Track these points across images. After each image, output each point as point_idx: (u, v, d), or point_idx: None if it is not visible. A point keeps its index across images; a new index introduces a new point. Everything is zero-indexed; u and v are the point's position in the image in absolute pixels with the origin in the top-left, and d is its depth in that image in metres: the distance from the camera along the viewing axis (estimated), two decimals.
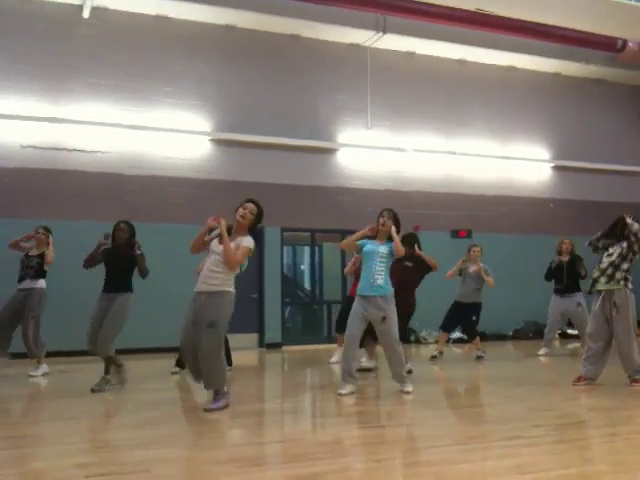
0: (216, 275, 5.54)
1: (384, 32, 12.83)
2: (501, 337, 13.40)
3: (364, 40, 13.12)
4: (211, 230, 5.61)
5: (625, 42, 13.00)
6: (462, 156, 13.98)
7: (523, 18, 12.21)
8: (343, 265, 13.00)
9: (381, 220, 6.49)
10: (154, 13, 11.88)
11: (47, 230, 8.42)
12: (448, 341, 12.13)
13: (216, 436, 4.84)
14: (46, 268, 8.31)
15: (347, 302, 8.86)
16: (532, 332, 13.51)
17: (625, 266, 6.72)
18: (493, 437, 4.66)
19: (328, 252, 13.68)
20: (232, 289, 5.62)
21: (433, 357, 9.66)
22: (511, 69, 14.68)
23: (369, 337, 7.26)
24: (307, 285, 14.77)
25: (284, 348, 12.23)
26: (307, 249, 14.06)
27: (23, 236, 8.48)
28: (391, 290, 6.45)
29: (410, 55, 13.83)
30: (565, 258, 10.22)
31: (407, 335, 8.46)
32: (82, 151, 11.27)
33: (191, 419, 5.49)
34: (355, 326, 6.43)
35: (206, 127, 12.15)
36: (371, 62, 13.16)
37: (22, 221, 9.98)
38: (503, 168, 14.46)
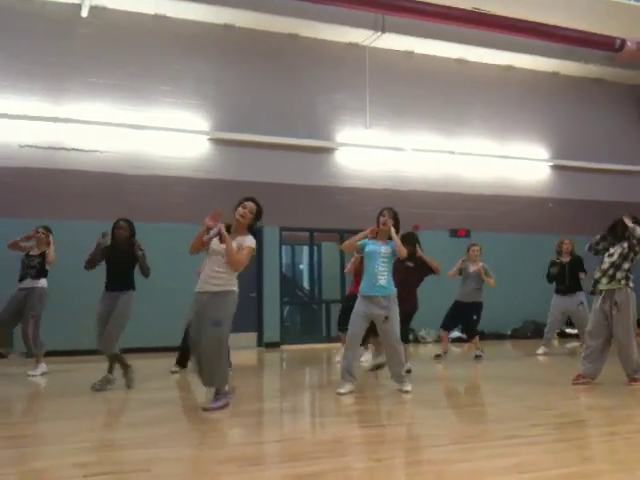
0: (220, 275, 5.53)
1: (383, 31, 12.84)
2: (500, 336, 13.41)
3: (363, 39, 13.13)
4: (209, 229, 5.59)
5: (624, 41, 13.02)
6: (461, 155, 13.99)
7: (522, 17, 12.23)
8: (342, 264, 13.02)
9: (382, 219, 6.47)
10: (153, 12, 11.88)
11: (47, 229, 8.41)
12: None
13: (216, 435, 4.83)
14: (47, 267, 8.31)
15: (348, 300, 8.87)
16: (531, 331, 13.53)
17: (626, 266, 6.72)
18: (492, 436, 4.66)
19: (327, 251, 13.68)
20: (236, 288, 5.63)
21: (437, 356, 9.72)
22: (510, 68, 14.69)
23: (372, 334, 7.26)
24: (306, 284, 14.77)
25: (283, 347, 12.24)
26: (306, 248, 14.06)
27: (22, 236, 8.46)
28: (394, 290, 6.44)
29: (409, 54, 13.84)
30: (565, 258, 10.21)
31: (407, 335, 8.45)
32: (81, 150, 11.27)
33: (191, 418, 5.49)
34: (358, 325, 6.42)
35: (205, 126, 12.15)
36: (370, 61, 13.17)
37: (22, 221, 9.98)
38: (502, 167, 14.47)
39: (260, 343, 12.28)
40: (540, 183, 14.86)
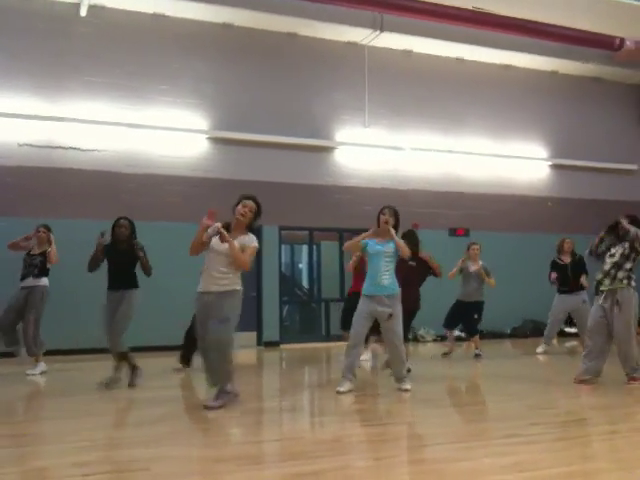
0: (225, 276, 5.54)
1: (381, 30, 12.84)
2: (499, 335, 13.41)
3: (361, 38, 13.12)
4: (207, 228, 5.58)
5: (622, 41, 13.01)
6: (460, 154, 13.99)
7: (520, 16, 12.22)
8: (341, 263, 13.02)
9: (383, 218, 6.44)
10: (151, 11, 11.87)
11: (47, 228, 8.40)
12: (446, 339, 12.14)
13: (215, 434, 4.83)
14: (49, 266, 8.30)
15: (349, 299, 8.87)
16: (530, 330, 13.54)
17: (628, 266, 6.71)
18: (492, 435, 4.66)
19: (326, 250, 13.68)
20: (241, 287, 5.65)
21: (445, 354, 9.82)
22: (508, 67, 14.69)
23: (372, 333, 7.27)
24: (305, 283, 14.79)
25: (282, 346, 12.23)
26: (305, 247, 14.05)
27: (22, 237, 8.45)
28: (398, 289, 6.43)
29: (407, 53, 13.83)
30: (567, 259, 10.16)
31: (407, 333, 8.44)
32: (79, 149, 11.26)
33: (191, 417, 5.48)
34: (361, 324, 6.41)
35: (203, 125, 12.14)
36: (369, 60, 13.16)
37: (20, 219, 9.98)
38: (500, 166, 14.46)
39: (259, 342, 12.27)
40: (539, 182, 14.86)
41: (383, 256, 6.39)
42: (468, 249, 9.93)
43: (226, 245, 5.46)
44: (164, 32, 11.97)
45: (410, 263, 7.55)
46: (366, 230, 6.66)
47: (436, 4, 11.72)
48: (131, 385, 6.80)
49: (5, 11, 10.98)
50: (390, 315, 6.32)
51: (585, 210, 14.41)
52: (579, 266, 10.04)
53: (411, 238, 7.49)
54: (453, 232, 13.75)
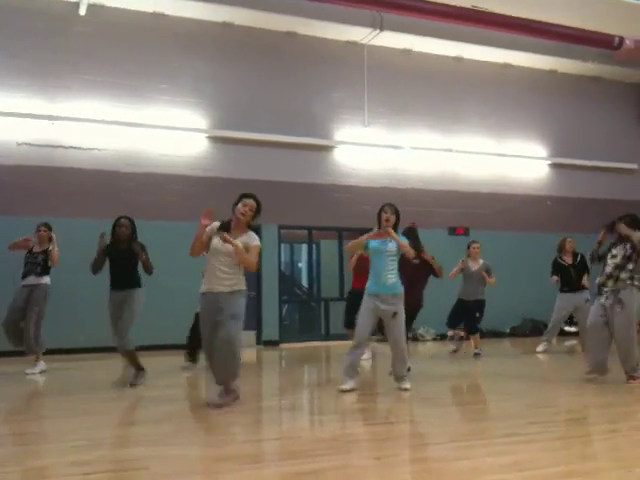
0: (230, 276, 5.55)
1: (381, 29, 12.84)
2: (498, 334, 13.42)
3: (361, 37, 13.12)
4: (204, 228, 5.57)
5: (622, 39, 13.02)
6: (458, 153, 13.99)
7: (519, 15, 12.22)
8: (341, 262, 13.02)
9: (384, 216, 6.41)
10: (151, 10, 11.86)
11: (48, 227, 8.39)
12: (446, 338, 12.14)
13: (215, 433, 4.83)
14: (50, 264, 8.29)
15: (351, 297, 8.87)
16: (529, 329, 13.54)
17: (630, 266, 6.70)
18: (491, 434, 4.66)
19: (325, 249, 13.69)
20: (245, 287, 5.68)
21: (454, 351, 9.89)
22: (507, 66, 14.69)
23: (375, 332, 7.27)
24: (304, 282, 14.79)
25: (282, 345, 12.23)
26: (304, 246, 14.05)
27: (22, 238, 8.42)
28: (401, 288, 6.42)
29: (407, 52, 13.83)
30: (568, 258, 10.14)
31: (408, 333, 8.45)
32: (78, 148, 11.25)
33: (193, 416, 5.49)
34: (365, 323, 6.40)
35: (202, 124, 12.14)
36: (368, 59, 13.16)
37: (19, 218, 9.97)
38: (499, 165, 14.47)
39: (259, 341, 12.27)
40: (538, 181, 14.86)
41: (386, 255, 6.36)
42: (469, 248, 9.94)
43: (228, 246, 5.46)
44: (163, 31, 11.97)
45: (414, 261, 7.51)
46: (365, 229, 6.65)
47: (435, 3, 11.73)
48: (132, 385, 6.80)
49: (4, 10, 10.98)
50: (395, 314, 6.32)
51: (584, 209, 14.41)
52: (581, 266, 10.04)
53: (410, 234, 7.45)
54: (452, 231, 13.76)
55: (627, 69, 14.93)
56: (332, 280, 13.25)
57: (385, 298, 6.33)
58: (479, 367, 8.94)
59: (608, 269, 6.80)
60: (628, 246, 6.73)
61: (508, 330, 13.80)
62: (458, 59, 14.26)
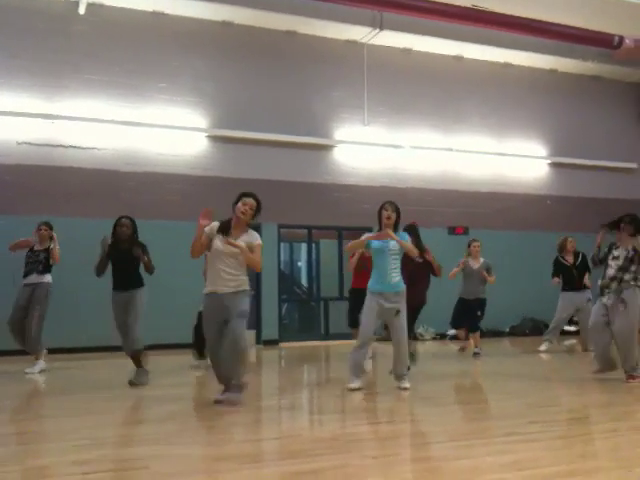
0: (236, 278, 5.58)
1: (381, 28, 12.84)
2: (498, 333, 13.42)
3: (361, 37, 13.12)
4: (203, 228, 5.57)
5: (621, 39, 13.01)
6: (458, 153, 13.99)
7: (519, 14, 12.22)
8: (340, 262, 13.02)
9: (385, 213, 6.40)
10: (150, 9, 11.86)
11: (49, 226, 8.38)
12: (445, 337, 12.20)
13: (215, 433, 4.83)
14: (52, 263, 8.28)
15: (353, 297, 8.87)
16: (529, 329, 13.55)
17: (633, 267, 6.70)
18: (491, 433, 4.66)
19: (325, 249, 13.68)
20: (249, 286, 5.71)
21: (462, 349, 9.95)
22: (507, 66, 14.68)
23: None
24: (304, 282, 14.78)
25: (281, 345, 12.23)
26: (304, 246, 14.05)
27: (21, 240, 8.41)
28: (404, 286, 6.43)
29: (407, 52, 13.83)
30: (570, 258, 10.14)
31: (412, 330, 8.45)
32: (78, 148, 11.25)
33: (190, 416, 5.48)
34: (369, 322, 6.40)
35: (202, 124, 12.13)
36: (368, 59, 13.15)
37: (19, 218, 9.97)
38: (499, 165, 14.47)
39: (258, 341, 12.26)
40: (538, 180, 14.86)
41: (389, 254, 6.35)
42: (469, 246, 9.94)
43: (232, 248, 5.47)
44: (163, 30, 11.96)
45: (417, 260, 7.50)
46: (365, 228, 6.65)
47: (435, 2, 11.72)
48: (132, 384, 6.80)
49: (4, 10, 10.97)
50: (397, 312, 6.33)
51: (584, 208, 14.41)
52: (583, 265, 10.04)
53: (411, 232, 7.42)
54: (452, 231, 13.76)
55: (627, 68, 14.93)
56: (332, 279, 13.25)
57: (388, 296, 6.33)
58: (479, 366, 8.94)
59: (611, 271, 6.79)
60: (630, 247, 6.73)
61: (508, 329, 13.81)
62: (458, 58, 14.26)
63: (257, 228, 5.99)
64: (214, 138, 12.18)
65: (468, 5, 12.02)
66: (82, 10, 11.31)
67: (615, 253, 6.83)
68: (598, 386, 6.64)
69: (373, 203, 7.35)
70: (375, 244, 6.41)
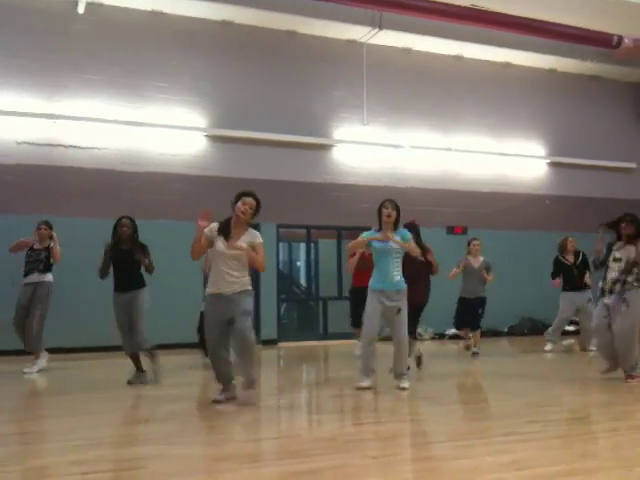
0: (239, 280, 5.60)
1: (380, 28, 12.83)
2: (496, 333, 13.42)
3: (360, 36, 13.11)
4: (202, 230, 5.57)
5: (621, 38, 13.02)
6: (458, 152, 13.99)
7: (519, 14, 12.22)
8: (339, 261, 13.02)
9: (385, 211, 6.40)
10: (150, 9, 11.85)
11: (49, 225, 8.37)
12: (444, 337, 12.20)
13: (214, 433, 4.83)
14: (52, 262, 8.27)
15: (354, 296, 8.86)
16: (527, 328, 13.55)
17: (636, 269, 6.71)
18: (490, 433, 4.66)
19: (324, 248, 13.68)
20: (251, 286, 5.75)
21: (467, 347, 9.90)
22: (507, 65, 14.68)
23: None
24: (303, 281, 14.78)
25: (280, 345, 12.23)
26: (303, 245, 14.05)
27: (21, 241, 8.40)
28: (405, 285, 6.44)
29: (406, 51, 13.83)
30: (570, 257, 10.14)
31: (415, 329, 8.43)
32: (78, 147, 11.25)
33: (189, 416, 5.47)
34: (373, 321, 6.41)
35: (202, 123, 12.13)
36: (367, 58, 13.15)
37: (19, 217, 9.97)
38: (499, 164, 14.47)
39: (257, 340, 12.23)
40: (537, 180, 14.87)
41: (390, 253, 6.36)
42: (469, 244, 9.94)
43: (234, 250, 5.48)
44: (162, 29, 11.96)
45: (419, 259, 7.48)
46: (364, 228, 6.64)
47: (435, 2, 11.72)
48: (130, 383, 6.80)
49: (4, 10, 10.96)
50: (399, 310, 6.34)
51: (583, 208, 14.42)
52: (583, 264, 10.04)
53: (412, 229, 7.40)
54: (451, 230, 13.76)
55: (626, 68, 14.93)
56: (330, 279, 13.25)
57: (390, 294, 6.34)
58: (478, 366, 8.95)
59: (614, 274, 6.78)
60: (632, 249, 6.72)
61: (506, 329, 13.81)
62: (458, 58, 14.26)
63: (256, 228, 5.99)
64: (213, 138, 12.18)
65: (468, 5, 12.02)
66: (81, 9, 11.30)
67: (616, 254, 6.82)
68: (598, 385, 6.65)
69: (372, 203, 7.34)
70: (377, 246, 6.42)
